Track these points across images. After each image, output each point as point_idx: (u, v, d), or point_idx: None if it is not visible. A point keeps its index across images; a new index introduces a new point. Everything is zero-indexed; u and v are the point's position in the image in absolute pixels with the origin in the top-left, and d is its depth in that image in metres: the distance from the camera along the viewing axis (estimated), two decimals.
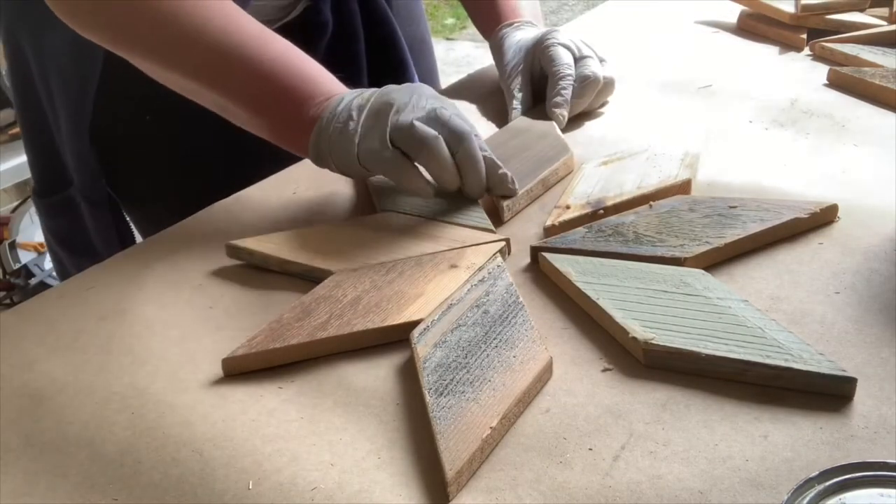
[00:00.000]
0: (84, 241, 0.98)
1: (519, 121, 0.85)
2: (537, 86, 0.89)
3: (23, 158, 2.06)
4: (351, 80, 0.94)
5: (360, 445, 0.49)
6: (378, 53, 1.00)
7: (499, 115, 0.90)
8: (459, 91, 0.98)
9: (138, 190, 0.97)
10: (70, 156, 0.94)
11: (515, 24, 0.94)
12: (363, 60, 0.99)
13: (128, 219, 0.99)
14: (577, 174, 0.75)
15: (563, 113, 0.84)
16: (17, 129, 2.14)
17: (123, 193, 0.96)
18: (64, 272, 1.04)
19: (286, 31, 0.88)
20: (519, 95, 0.88)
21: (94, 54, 0.86)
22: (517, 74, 0.89)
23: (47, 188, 0.99)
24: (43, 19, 0.88)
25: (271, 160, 0.84)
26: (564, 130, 0.84)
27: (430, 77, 1.12)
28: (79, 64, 0.88)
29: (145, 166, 0.95)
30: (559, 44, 0.87)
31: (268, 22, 0.90)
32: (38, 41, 0.91)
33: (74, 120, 0.91)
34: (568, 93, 0.85)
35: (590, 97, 0.86)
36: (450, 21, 4.62)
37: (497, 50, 0.94)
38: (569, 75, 0.85)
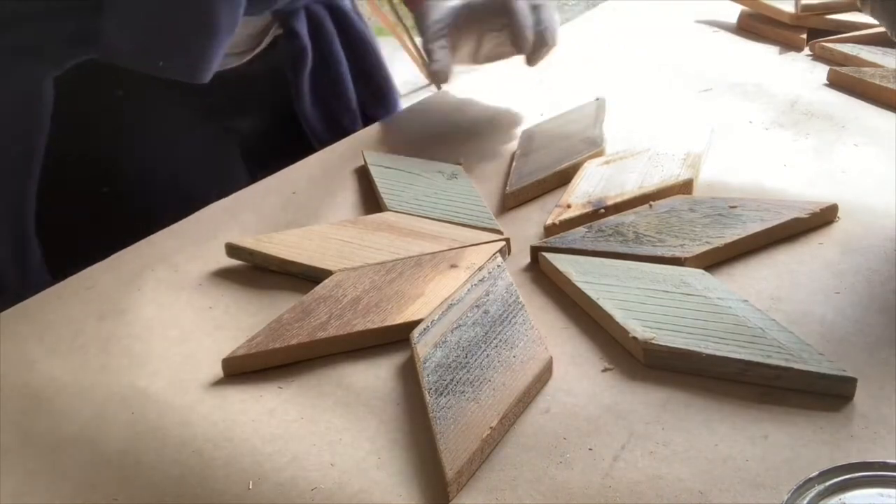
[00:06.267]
0: None
1: (581, 107, 0.87)
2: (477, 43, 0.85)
3: None
4: (342, 112, 0.91)
5: (360, 446, 0.49)
6: (362, 75, 0.97)
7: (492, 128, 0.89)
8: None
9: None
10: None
11: None
12: (350, 84, 0.95)
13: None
14: (579, 173, 0.75)
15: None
16: None
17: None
18: None
19: (265, 63, 0.85)
20: (441, 52, 0.83)
21: (40, 118, 0.72)
22: (442, 35, 0.83)
23: None
24: None
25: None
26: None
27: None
28: (19, 130, 0.73)
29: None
30: None
31: (241, 53, 0.88)
32: None
33: (13, 203, 0.74)
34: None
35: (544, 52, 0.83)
36: None
37: (422, 18, 0.87)
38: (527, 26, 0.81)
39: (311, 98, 0.90)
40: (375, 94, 0.97)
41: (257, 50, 0.89)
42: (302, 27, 0.89)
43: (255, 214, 0.75)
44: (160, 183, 0.82)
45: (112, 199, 0.79)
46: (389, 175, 0.77)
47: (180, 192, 0.83)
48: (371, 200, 0.75)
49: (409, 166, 0.79)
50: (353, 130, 0.91)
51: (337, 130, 0.93)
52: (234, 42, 0.83)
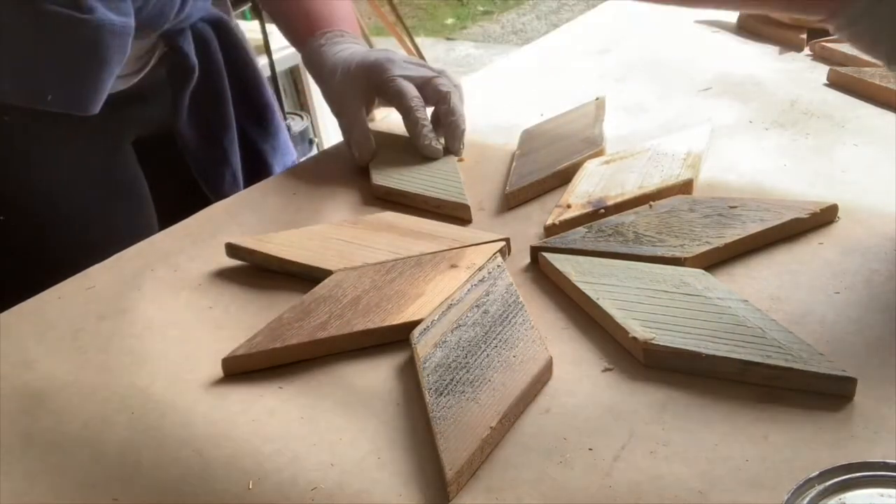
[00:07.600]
0: None
1: (581, 106, 0.87)
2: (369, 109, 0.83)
3: None
4: (218, 124, 0.91)
5: (360, 445, 0.49)
6: (242, 95, 0.95)
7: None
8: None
9: None
10: None
11: (334, 35, 0.85)
12: (230, 103, 0.93)
13: None
14: (579, 173, 0.75)
15: (438, 147, 0.80)
16: None
17: None
18: None
19: (151, 80, 0.85)
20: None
21: None
22: (352, 107, 0.81)
23: None
24: None
25: None
26: None
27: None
28: None
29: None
30: (401, 77, 0.79)
31: (127, 76, 0.86)
32: None
33: None
34: (428, 121, 0.80)
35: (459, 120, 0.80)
36: (450, 21, 4.62)
37: (316, 67, 0.84)
38: (421, 107, 0.79)
39: (188, 113, 0.89)
40: (257, 118, 0.96)
41: (143, 72, 0.88)
42: (189, 47, 0.87)
43: (255, 214, 0.75)
44: (59, 209, 0.80)
45: (7, 231, 0.78)
46: (382, 151, 0.81)
47: (82, 217, 0.82)
48: (371, 201, 0.76)
49: (405, 145, 0.82)
50: (231, 149, 0.92)
51: (214, 146, 0.92)
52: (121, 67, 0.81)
